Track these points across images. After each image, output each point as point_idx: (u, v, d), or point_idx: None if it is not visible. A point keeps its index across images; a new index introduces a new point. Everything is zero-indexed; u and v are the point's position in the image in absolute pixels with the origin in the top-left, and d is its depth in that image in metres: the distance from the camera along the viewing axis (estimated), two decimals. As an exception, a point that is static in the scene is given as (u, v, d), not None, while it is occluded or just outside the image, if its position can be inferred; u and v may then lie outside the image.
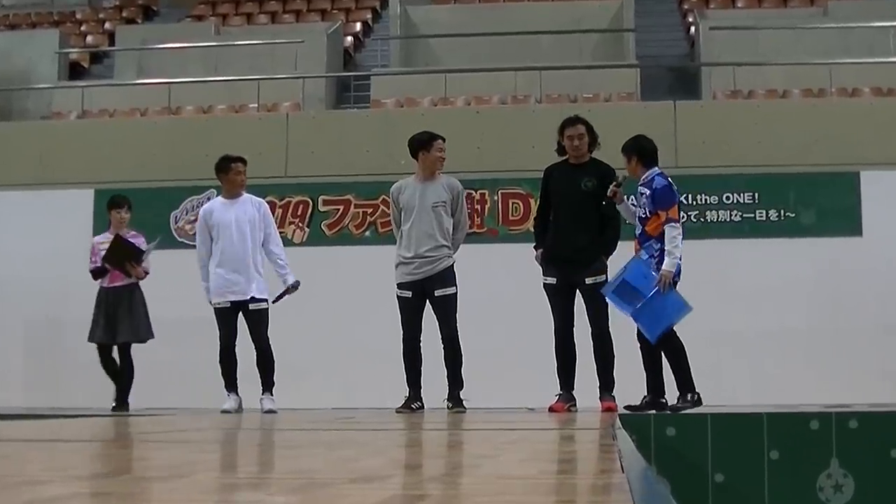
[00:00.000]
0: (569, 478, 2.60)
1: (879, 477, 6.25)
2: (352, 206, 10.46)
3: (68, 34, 15.70)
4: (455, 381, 7.40)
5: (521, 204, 10.18)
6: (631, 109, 11.08)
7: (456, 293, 7.47)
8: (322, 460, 3.09)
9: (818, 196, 10.08)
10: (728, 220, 10.13)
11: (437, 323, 7.45)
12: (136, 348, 8.65)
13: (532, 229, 7.92)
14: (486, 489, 2.27)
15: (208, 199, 9.03)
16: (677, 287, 6.96)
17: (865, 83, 11.88)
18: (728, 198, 10.14)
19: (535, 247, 7.47)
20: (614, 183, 7.02)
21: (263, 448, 4.11)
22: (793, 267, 9.91)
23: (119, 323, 8.63)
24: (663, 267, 6.79)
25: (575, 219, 7.22)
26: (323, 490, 2.21)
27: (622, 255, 7.14)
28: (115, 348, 8.68)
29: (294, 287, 8.11)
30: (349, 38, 15.34)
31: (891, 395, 8.97)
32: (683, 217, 9.27)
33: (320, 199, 10.50)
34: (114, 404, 8.56)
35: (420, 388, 7.45)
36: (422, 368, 7.47)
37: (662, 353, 6.98)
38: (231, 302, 7.95)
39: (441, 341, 7.41)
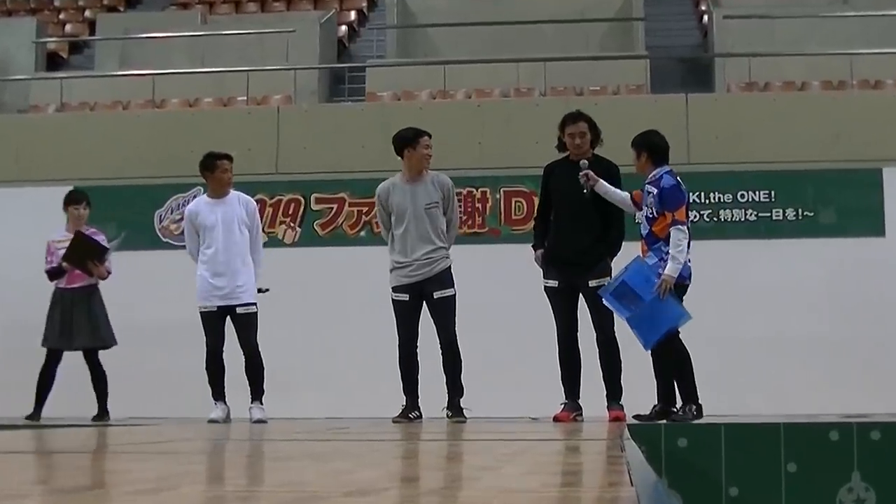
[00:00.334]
0: (574, 491, 2.60)
1: (903, 490, 6.26)
2: (346, 205, 10.47)
3: (46, 22, 15.70)
4: (455, 389, 7.41)
5: (524, 203, 10.18)
6: (640, 103, 11.09)
7: (455, 295, 7.49)
8: (314, 473, 3.10)
9: (838, 194, 10.08)
10: (742, 219, 10.14)
11: (434, 328, 7.47)
12: (116, 355, 8.64)
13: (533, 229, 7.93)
14: (486, 503, 2.27)
15: (194, 196, 9.03)
16: (688, 291, 6.98)
17: (889, 75, 11.88)
18: (743, 196, 10.15)
19: (533, 247, 7.48)
20: (581, 174, 7.04)
21: (253, 459, 4.12)
22: (811, 269, 9.92)
23: (77, 327, 8.54)
24: (665, 272, 6.79)
25: (577, 219, 7.24)
26: (315, 504, 2.21)
27: (627, 256, 7.14)
28: (83, 356, 8.56)
29: (260, 290, 8.11)
30: (343, 28, 15.34)
31: (915, 404, 8.98)
32: (695, 217, 9.31)
33: (313, 197, 10.50)
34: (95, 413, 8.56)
35: (417, 396, 7.47)
36: (419, 376, 7.49)
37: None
38: (218, 306, 7.96)
39: (439, 347, 7.43)
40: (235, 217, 8.05)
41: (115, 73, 13.57)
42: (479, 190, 10.28)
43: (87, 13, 16.64)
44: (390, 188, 7.61)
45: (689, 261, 6.92)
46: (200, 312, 8.00)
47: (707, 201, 10.11)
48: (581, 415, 7.25)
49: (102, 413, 8.58)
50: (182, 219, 8.56)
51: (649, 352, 6.99)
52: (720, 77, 12.45)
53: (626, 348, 7.19)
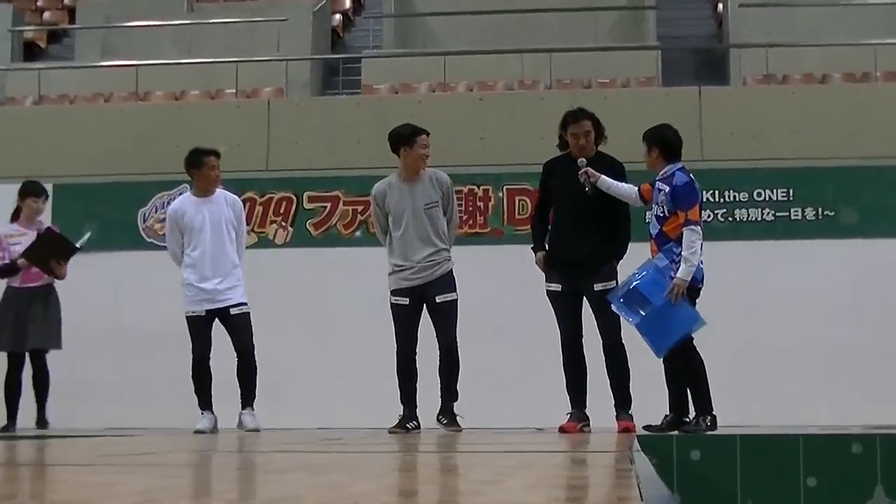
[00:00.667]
0: (581, 506, 2.61)
1: (928, 506, 6.27)
2: (340, 204, 10.48)
3: (23, 10, 15.69)
4: (449, 393, 7.43)
5: (528, 201, 10.18)
6: (651, 96, 11.10)
7: (457, 299, 7.50)
8: (307, 486, 3.11)
9: (861, 192, 10.09)
10: (759, 219, 10.15)
11: (433, 332, 7.48)
12: (97, 361, 8.64)
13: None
14: (489, 518, 2.28)
15: (180, 194, 9.04)
16: (701, 294, 6.98)
17: (914, 66, 11.91)
18: (759, 195, 10.16)
19: (533, 249, 7.46)
20: (580, 172, 7.06)
21: (242, 472, 4.13)
22: (831, 272, 9.92)
23: (31, 327, 8.51)
24: (677, 275, 6.79)
25: (580, 219, 7.23)
26: (309, 519, 2.22)
27: (634, 258, 7.15)
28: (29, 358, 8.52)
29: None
30: (337, 16, 15.35)
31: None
32: (709, 216, 9.31)
33: (305, 195, 10.52)
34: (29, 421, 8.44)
35: (415, 406, 7.48)
36: (417, 385, 7.50)
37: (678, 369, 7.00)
38: (206, 310, 7.96)
39: (438, 351, 7.44)
40: (223, 217, 8.05)
41: (96, 63, 13.57)
42: (481, 188, 10.29)
43: (67, 0, 16.64)
44: (387, 188, 7.61)
45: (702, 263, 6.93)
46: (187, 317, 8.00)
47: (721, 200, 10.12)
48: (588, 425, 7.26)
49: (42, 420, 8.50)
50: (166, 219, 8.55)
51: (661, 359, 7.00)
52: (735, 69, 12.46)
53: (635, 355, 7.19)
